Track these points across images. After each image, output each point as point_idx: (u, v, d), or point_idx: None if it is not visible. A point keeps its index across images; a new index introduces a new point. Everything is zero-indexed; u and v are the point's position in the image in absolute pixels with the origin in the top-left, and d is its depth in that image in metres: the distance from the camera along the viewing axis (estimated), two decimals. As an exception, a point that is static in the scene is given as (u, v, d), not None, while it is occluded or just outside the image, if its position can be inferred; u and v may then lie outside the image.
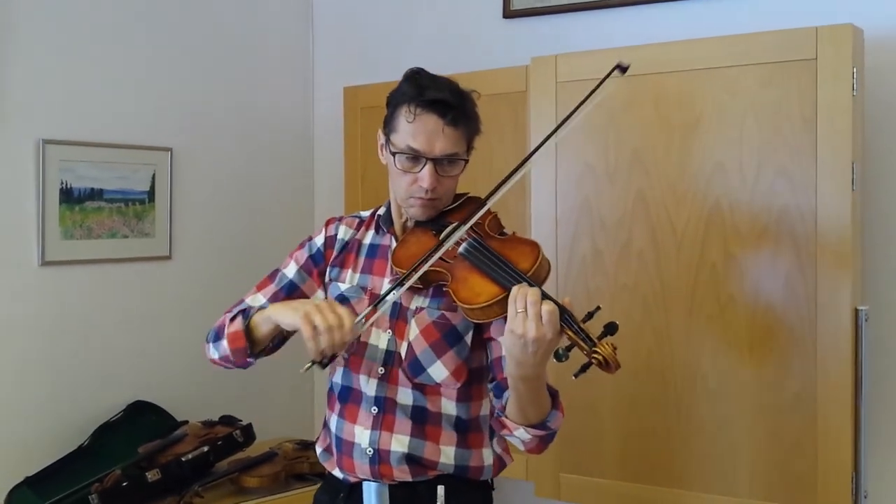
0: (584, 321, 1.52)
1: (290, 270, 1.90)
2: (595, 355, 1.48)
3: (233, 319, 1.79)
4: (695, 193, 2.32)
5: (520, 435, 1.66)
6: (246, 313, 1.77)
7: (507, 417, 1.67)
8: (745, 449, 2.27)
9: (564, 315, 1.51)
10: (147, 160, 2.94)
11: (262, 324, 1.72)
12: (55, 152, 2.68)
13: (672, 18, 2.73)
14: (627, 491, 2.42)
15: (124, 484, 2.48)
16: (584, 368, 1.50)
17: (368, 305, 1.78)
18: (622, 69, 1.72)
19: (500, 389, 1.72)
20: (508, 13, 3.04)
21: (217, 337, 1.81)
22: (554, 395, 1.69)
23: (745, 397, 2.27)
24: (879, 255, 2.43)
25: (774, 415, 2.23)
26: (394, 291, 1.68)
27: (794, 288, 2.20)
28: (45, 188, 2.66)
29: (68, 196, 2.73)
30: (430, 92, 1.68)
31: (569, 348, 1.50)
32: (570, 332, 1.51)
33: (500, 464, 1.85)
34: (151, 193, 2.95)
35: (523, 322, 1.49)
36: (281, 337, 1.79)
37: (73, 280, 2.76)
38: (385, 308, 1.72)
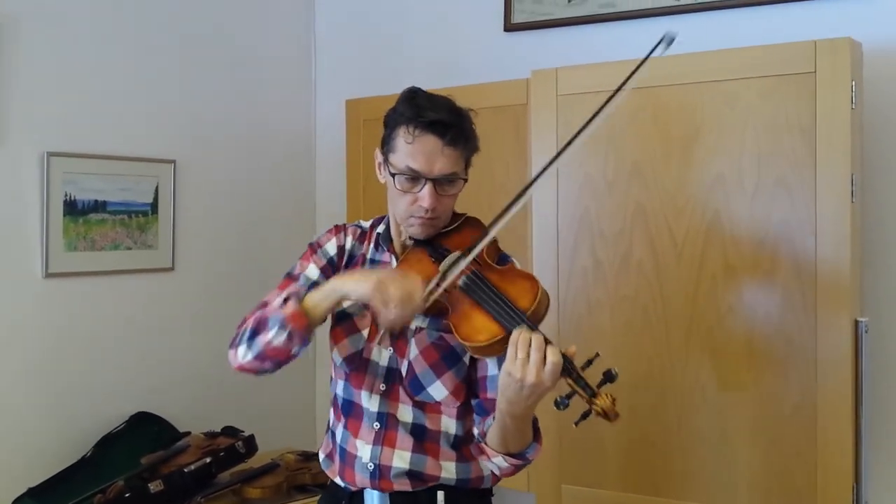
0: (583, 368, 1.52)
1: (313, 272, 1.83)
2: (595, 406, 1.49)
3: (283, 304, 1.67)
4: (694, 205, 2.33)
5: (498, 462, 1.70)
6: (296, 296, 1.67)
7: (487, 444, 1.69)
8: (746, 459, 2.27)
9: (565, 363, 1.51)
10: (150, 172, 2.95)
11: (322, 301, 1.65)
12: (59, 164, 2.70)
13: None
14: (628, 501, 2.42)
15: (127, 495, 2.49)
16: (585, 416, 1.51)
17: (371, 322, 1.78)
18: (669, 41, 1.68)
19: (483, 409, 1.73)
20: (509, 26, 3.06)
21: (254, 334, 1.68)
22: (535, 426, 1.70)
23: (744, 408, 2.27)
24: (879, 266, 2.44)
25: (774, 425, 2.24)
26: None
27: (794, 299, 2.21)
28: (49, 200, 2.68)
29: (72, 208, 2.74)
30: (428, 113, 1.68)
31: (569, 396, 1.50)
32: (570, 381, 1.51)
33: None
34: (154, 205, 2.97)
35: (522, 367, 1.49)
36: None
37: (77, 292, 2.77)
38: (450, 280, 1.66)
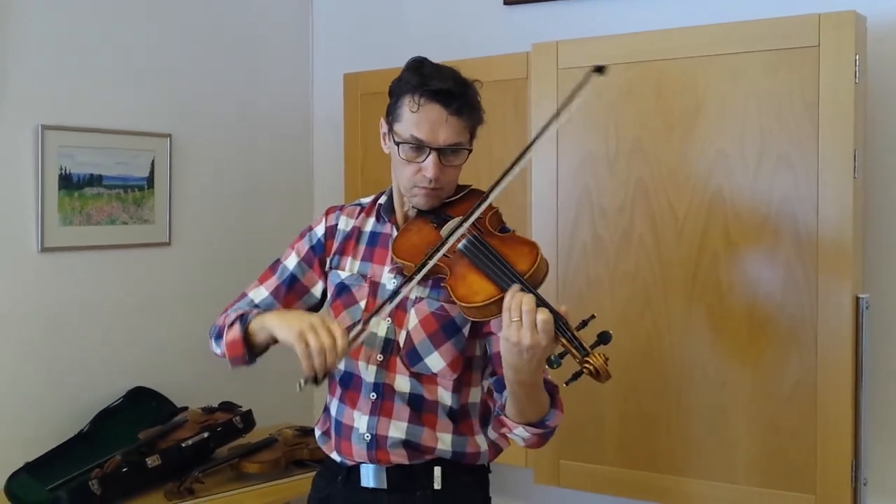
0: (578, 329, 1.53)
1: (291, 262, 1.91)
2: (587, 365, 1.49)
3: (231, 325, 1.79)
4: (696, 181, 2.31)
5: (519, 433, 1.69)
6: (244, 319, 1.76)
7: (506, 416, 1.69)
8: (745, 436, 2.27)
9: (559, 322, 1.52)
10: (146, 146, 2.93)
11: (260, 332, 1.73)
12: (54, 138, 2.67)
13: (674, 5, 2.71)
14: (626, 477, 2.43)
15: (124, 469, 2.49)
16: (576, 376, 1.51)
17: (368, 294, 1.79)
18: (599, 69, 1.67)
19: (501, 385, 1.73)
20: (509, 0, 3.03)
21: (219, 335, 1.82)
22: (553, 393, 1.70)
23: (744, 384, 2.27)
24: (881, 242, 2.42)
25: (774, 402, 2.23)
26: (391, 300, 1.69)
27: (795, 275, 2.19)
28: (45, 174, 2.65)
29: (67, 182, 2.72)
30: (434, 82, 1.68)
31: (561, 355, 1.52)
32: (563, 340, 1.52)
33: (495, 449, 1.86)
34: (151, 180, 2.95)
35: (518, 330, 1.50)
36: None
37: (73, 266, 2.75)
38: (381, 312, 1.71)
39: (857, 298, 2.15)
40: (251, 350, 1.77)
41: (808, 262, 2.17)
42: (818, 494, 2.17)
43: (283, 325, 1.67)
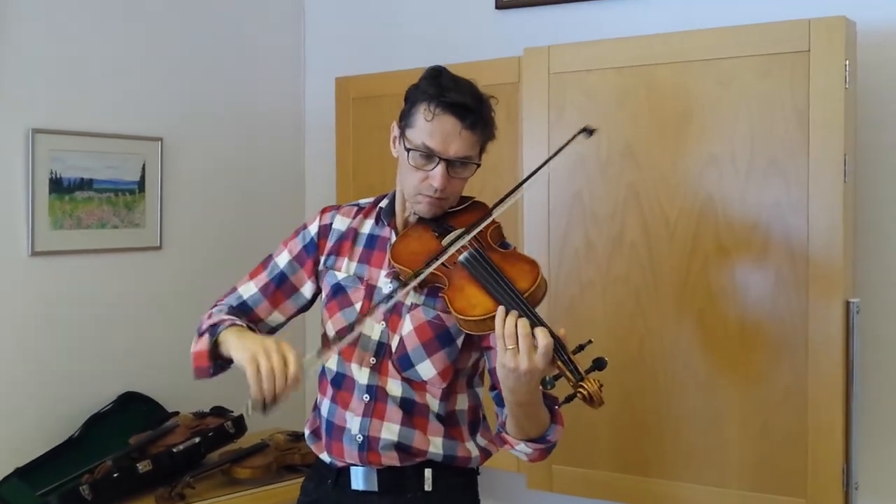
0: (575, 353, 1.54)
1: (282, 260, 1.92)
2: (581, 390, 1.50)
3: (202, 335, 1.79)
4: (687, 186, 2.32)
5: (521, 449, 1.71)
6: (214, 330, 1.76)
7: (507, 433, 1.71)
8: (736, 440, 2.28)
9: (556, 345, 1.52)
10: (137, 150, 2.92)
11: (223, 345, 1.74)
12: (45, 142, 2.66)
13: (665, 10, 2.72)
14: (619, 482, 2.43)
15: (115, 475, 2.47)
16: (569, 399, 1.52)
17: (364, 296, 1.79)
18: (588, 132, 1.76)
19: (502, 400, 1.74)
20: (501, 4, 3.03)
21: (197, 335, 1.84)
22: (553, 408, 1.71)
23: (735, 389, 2.27)
24: (871, 247, 2.43)
25: (765, 407, 2.24)
26: (384, 303, 1.71)
27: (786, 280, 2.20)
28: (35, 178, 2.64)
29: (58, 186, 2.71)
30: (451, 94, 1.69)
31: (556, 377, 1.52)
32: (559, 363, 1.52)
33: (485, 454, 1.88)
34: (142, 183, 2.94)
35: (514, 357, 1.51)
36: None
37: (63, 270, 2.74)
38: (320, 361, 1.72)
39: (848, 303, 2.15)
40: (218, 361, 1.77)
41: (799, 266, 2.18)
42: (809, 499, 2.18)
43: (238, 346, 1.67)
